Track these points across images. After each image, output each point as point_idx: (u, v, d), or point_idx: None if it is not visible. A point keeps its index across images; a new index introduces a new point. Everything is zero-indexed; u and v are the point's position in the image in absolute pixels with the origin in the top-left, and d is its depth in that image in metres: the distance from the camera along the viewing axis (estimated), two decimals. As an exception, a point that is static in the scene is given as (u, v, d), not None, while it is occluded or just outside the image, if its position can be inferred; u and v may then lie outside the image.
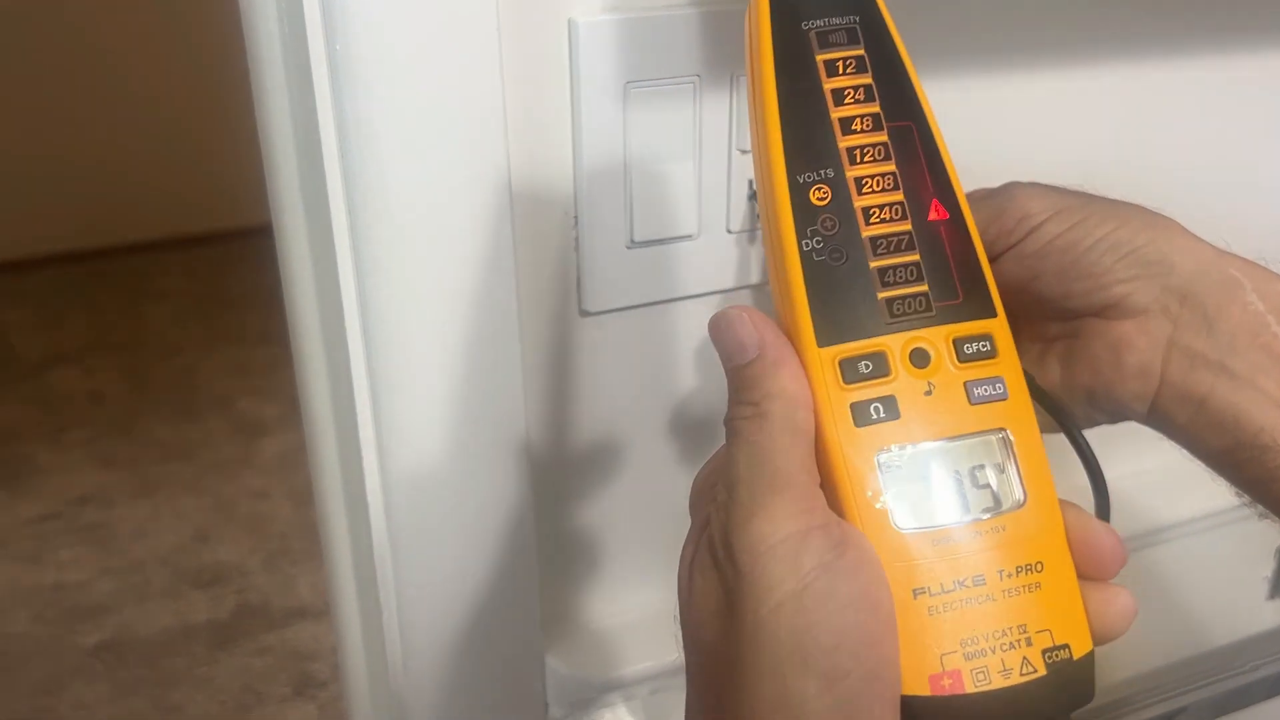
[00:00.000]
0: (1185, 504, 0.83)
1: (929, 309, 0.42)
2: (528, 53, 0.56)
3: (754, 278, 0.64)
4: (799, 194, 0.42)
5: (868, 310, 0.42)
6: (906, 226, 0.42)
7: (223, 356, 3.01)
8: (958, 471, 0.41)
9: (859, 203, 0.42)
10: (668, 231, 0.61)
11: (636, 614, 0.71)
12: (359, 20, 0.50)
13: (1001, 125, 0.68)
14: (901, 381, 0.41)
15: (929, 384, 0.42)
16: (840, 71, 0.43)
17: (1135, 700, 0.80)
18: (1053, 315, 0.50)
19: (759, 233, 0.63)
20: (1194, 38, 0.72)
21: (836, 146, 0.43)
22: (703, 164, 0.60)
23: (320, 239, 0.56)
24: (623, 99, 0.57)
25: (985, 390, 0.42)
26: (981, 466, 0.41)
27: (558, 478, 0.66)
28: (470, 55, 0.52)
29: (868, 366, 0.41)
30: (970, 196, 0.50)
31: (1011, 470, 0.42)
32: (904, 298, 0.42)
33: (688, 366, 0.66)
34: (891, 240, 0.42)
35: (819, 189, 0.42)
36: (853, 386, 0.41)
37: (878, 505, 0.40)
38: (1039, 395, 0.50)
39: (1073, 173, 0.52)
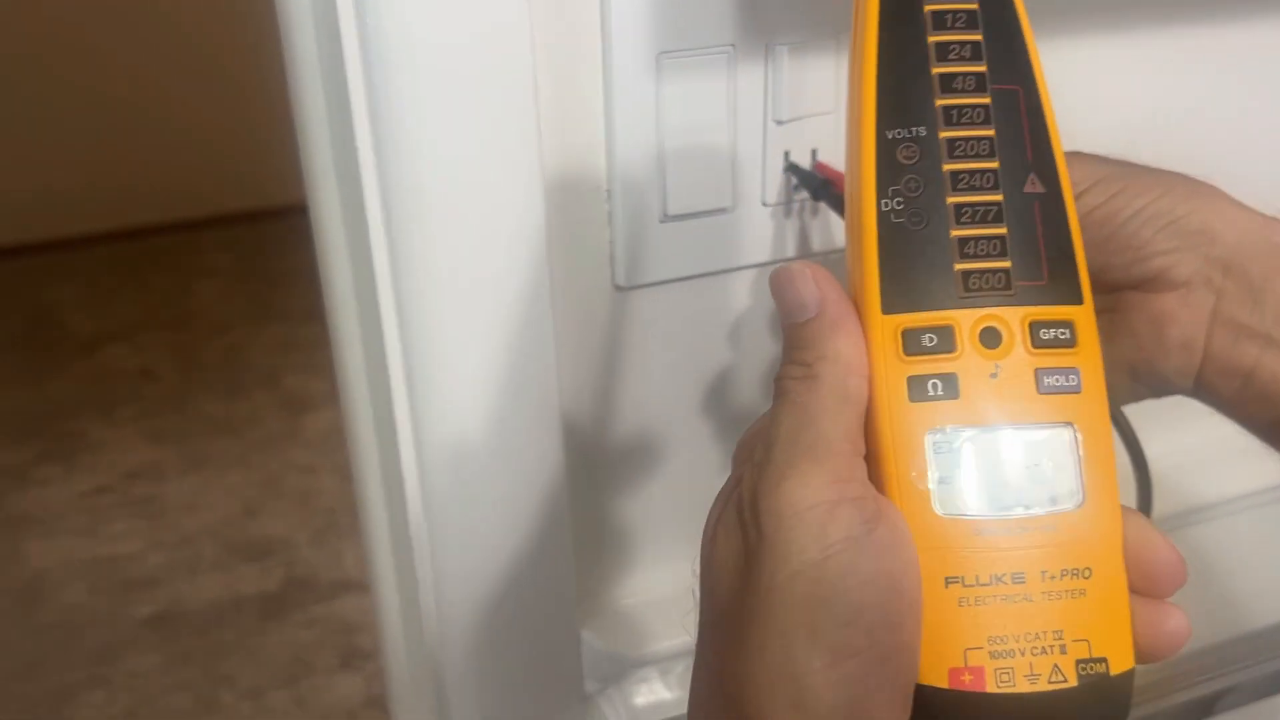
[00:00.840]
0: (1230, 481, 0.81)
1: (1008, 287, 0.39)
2: (559, 24, 0.55)
3: (790, 251, 0.63)
4: (885, 150, 0.40)
5: (941, 281, 0.39)
6: (996, 197, 0.40)
7: (270, 333, 3.02)
8: (1013, 462, 0.39)
9: (948, 166, 0.40)
10: (702, 205, 0.60)
11: (671, 590, 0.70)
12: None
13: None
14: (966, 360, 0.39)
15: (996, 366, 0.39)
16: (949, 25, 0.41)
17: (1180, 681, 0.78)
18: (1094, 288, 0.49)
19: (795, 205, 0.62)
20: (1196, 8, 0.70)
21: (932, 104, 0.40)
22: (738, 136, 0.59)
23: (353, 217, 0.56)
24: (656, 70, 0.56)
25: (1057, 380, 0.39)
26: (1040, 460, 0.39)
27: (593, 453, 0.65)
28: (501, 27, 0.51)
29: (932, 340, 0.39)
30: None
31: (1073, 468, 0.39)
32: (982, 272, 0.39)
33: (723, 341, 0.65)
34: (978, 210, 0.40)
35: (907, 147, 0.40)
36: (913, 359, 0.39)
37: (921, 486, 0.38)
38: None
39: (1118, 140, 0.50)
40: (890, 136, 0.40)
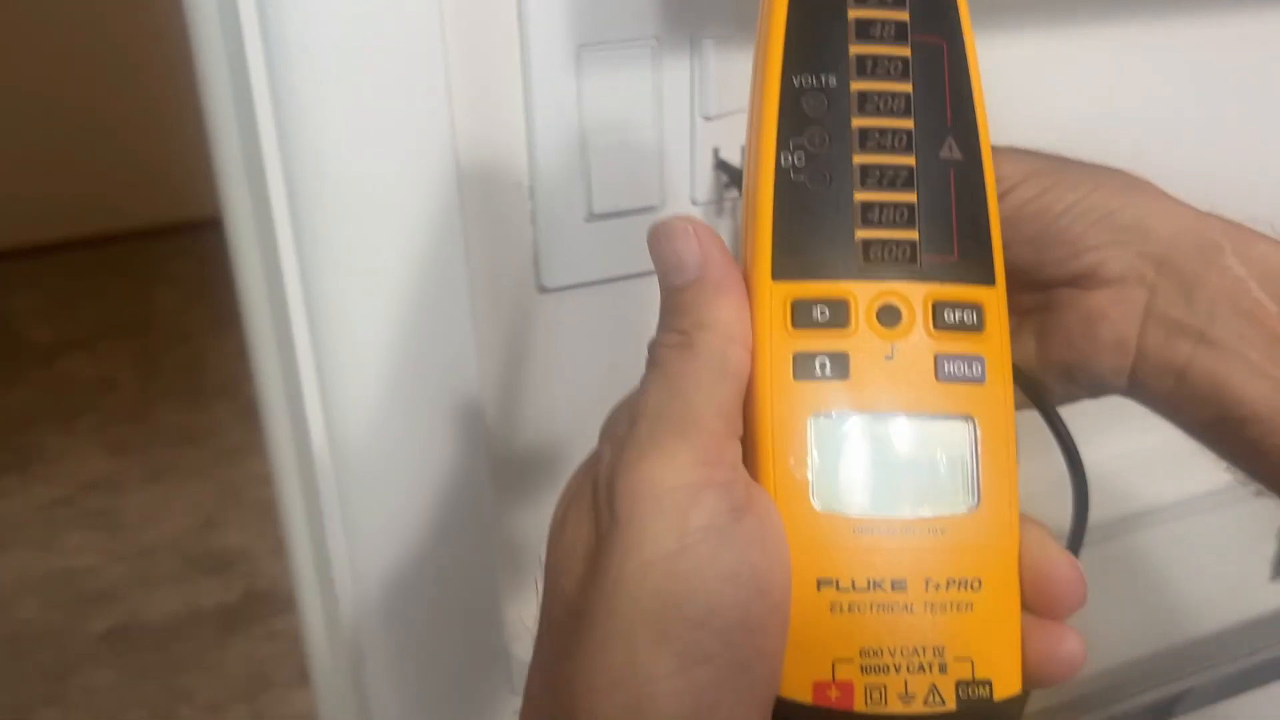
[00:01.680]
0: (1182, 483, 0.80)
1: (913, 260, 0.36)
2: (474, 15, 0.53)
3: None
4: (790, 98, 0.36)
5: (840, 248, 0.35)
6: (908, 160, 0.36)
7: (231, 341, 2.95)
8: (903, 455, 0.35)
9: (857, 122, 0.36)
10: (629, 203, 0.58)
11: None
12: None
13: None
14: (860, 338, 0.35)
15: (892, 347, 0.35)
16: None
17: (1133, 685, 0.77)
18: (1026, 286, 0.47)
19: (726, 204, 0.60)
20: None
21: (846, 51, 0.36)
22: (664, 132, 0.57)
23: (263, 218, 0.54)
24: (576, 63, 0.54)
25: (958, 368, 0.36)
26: (933, 455, 0.35)
27: (517, 461, 0.63)
28: (409, 19, 0.49)
29: (824, 313, 0.35)
30: None
31: (969, 466, 0.35)
32: (885, 242, 0.36)
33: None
34: (886, 172, 0.36)
35: (814, 97, 0.36)
36: (801, 332, 0.35)
37: (798, 474, 0.34)
38: (1021, 382, 0.47)
39: (1054, 137, 0.48)
40: (797, 84, 0.36)
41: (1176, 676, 0.80)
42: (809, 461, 0.35)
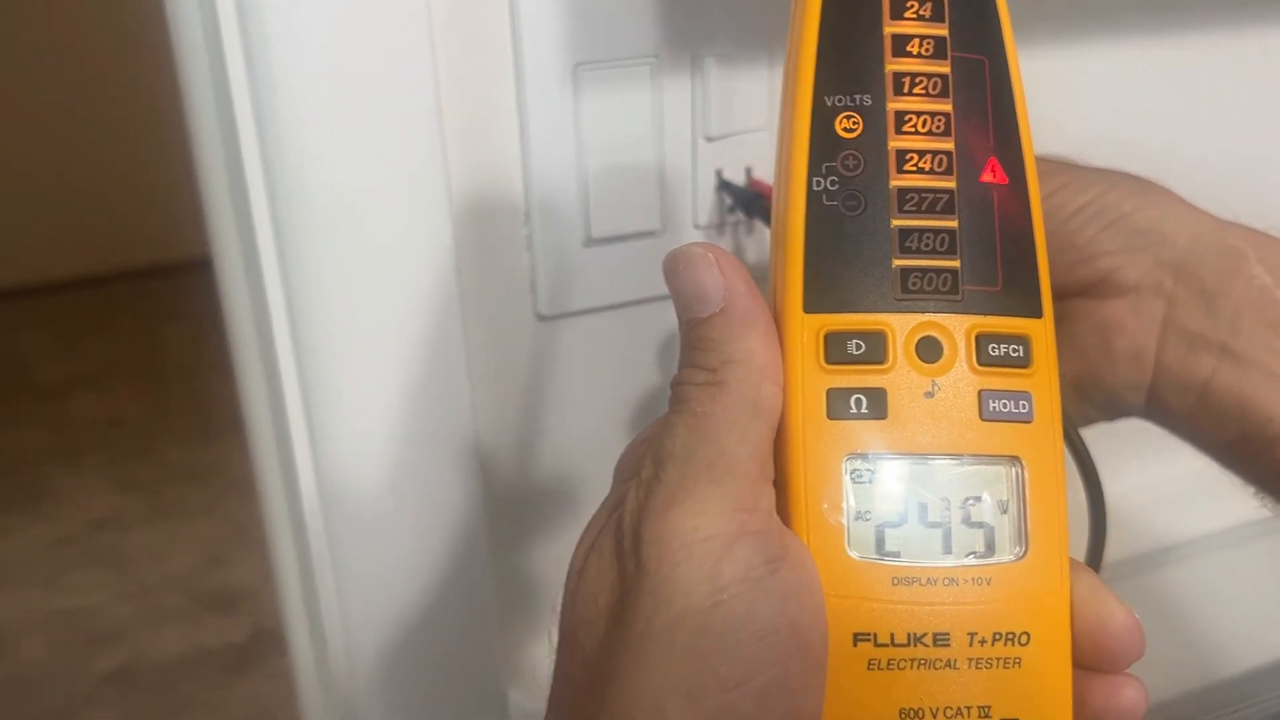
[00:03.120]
0: (1208, 517, 0.77)
1: (954, 291, 0.34)
2: (465, 34, 0.51)
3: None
4: (822, 118, 0.34)
5: (876, 278, 0.34)
6: (949, 183, 0.34)
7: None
8: (946, 499, 0.33)
9: (894, 143, 0.34)
10: (628, 227, 0.56)
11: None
12: (271, 6, 0.45)
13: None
14: (898, 374, 0.33)
15: (934, 383, 0.33)
16: None
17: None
18: None
19: (729, 227, 0.58)
20: (1188, 11, 0.66)
21: (882, 68, 0.35)
22: (665, 153, 0.55)
23: (250, 250, 0.52)
24: (573, 82, 0.52)
25: (1004, 406, 0.33)
26: (978, 499, 0.33)
27: (514, 496, 0.61)
28: (398, 40, 0.47)
29: (859, 347, 0.33)
30: None
31: (1016, 512, 0.33)
32: (925, 271, 0.34)
33: (654, 375, 0.61)
34: (926, 197, 0.34)
35: (848, 117, 0.34)
36: (836, 368, 0.33)
37: (833, 520, 0.32)
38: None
39: (1066, 150, 0.47)
40: (829, 103, 0.34)
41: (1208, 718, 0.77)
42: (844, 507, 0.33)
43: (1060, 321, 0.44)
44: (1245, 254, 0.42)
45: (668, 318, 0.58)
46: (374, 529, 0.55)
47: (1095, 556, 0.44)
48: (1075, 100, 0.64)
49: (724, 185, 0.56)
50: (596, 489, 0.60)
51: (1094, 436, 0.58)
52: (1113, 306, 0.43)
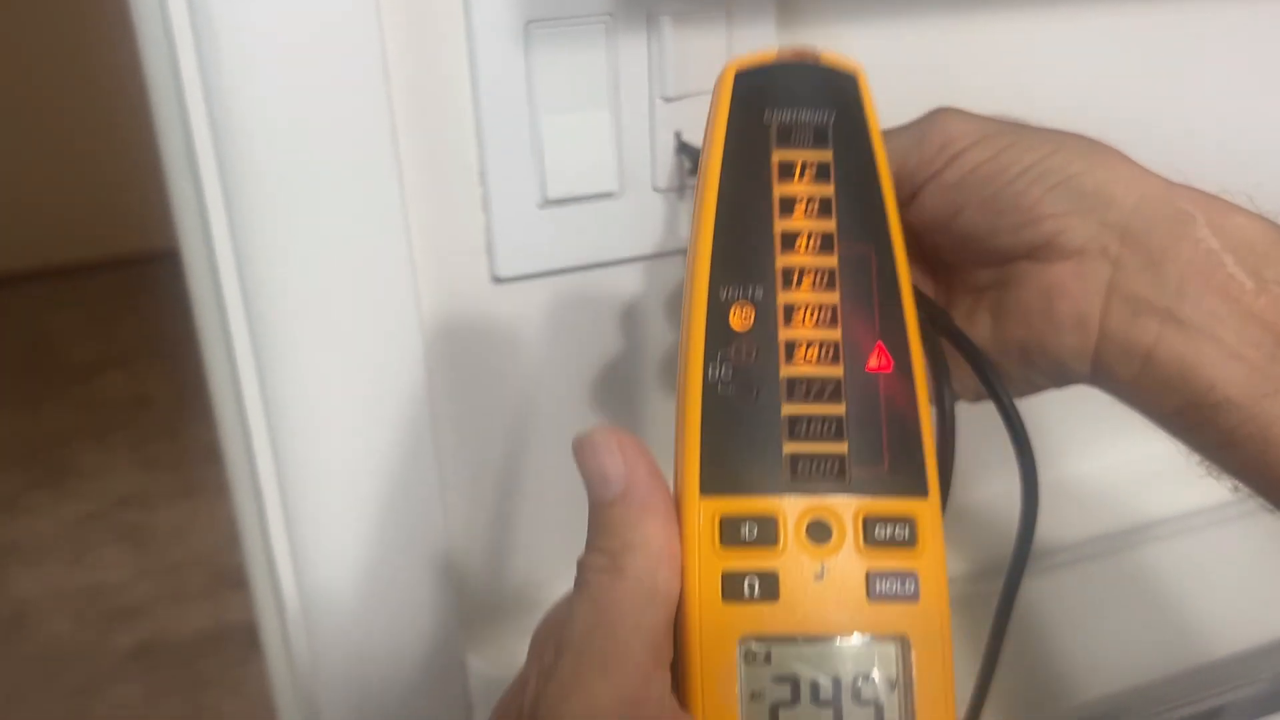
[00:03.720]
0: (1190, 493, 0.75)
1: (842, 474, 0.35)
2: (413, -11, 0.50)
3: (685, 241, 0.58)
4: (717, 311, 0.36)
5: (767, 463, 0.35)
6: (836, 372, 0.36)
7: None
8: (836, 678, 0.34)
9: (784, 334, 0.36)
10: (585, 189, 0.55)
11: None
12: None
13: (962, 71, 0.61)
14: (789, 556, 0.34)
15: (822, 565, 0.34)
16: (796, 176, 0.37)
17: (1150, 709, 0.73)
18: (982, 259, 0.44)
19: (689, 190, 0.57)
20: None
21: (773, 263, 0.36)
22: (622, 114, 0.54)
23: (206, 231, 0.51)
24: (524, 40, 0.51)
25: (890, 586, 0.34)
26: (867, 677, 0.34)
27: (471, 463, 0.60)
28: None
29: (752, 531, 0.34)
30: (891, 129, 0.44)
31: (904, 689, 0.34)
32: (813, 457, 0.35)
33: (614, 339, 0.60)
34: (814, 385, 0.35)
35: (742, 309, 0.36)
36: (730, 550, 0.34)
37: (728, 704, 0.33)
38: (967, 353, 0.44)
39: (1022, 112, 0.45)
40: (724, 296, 0.36)
41: (1198, 699, 0.76)
42: (739, 690, 0.33)
43: (1006, 286, 0.44)
44: (1193, 217, 0.40)
45: (626, 283, 0.57)
46: (324, 489, 0.55)
47: (1026, 537, 0.44)
48: (1031, 63, 0.62)
49: (683, 147, 0.55)
50: (553, 453, 0.60)
51: (1071, 410, 0.57)
52: (1057, 270, 0.42)
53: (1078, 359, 0.42)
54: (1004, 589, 0.47)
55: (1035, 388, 0.45)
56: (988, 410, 0.44)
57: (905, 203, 0.44)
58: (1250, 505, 0.50)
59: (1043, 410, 0.48)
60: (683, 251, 0.58)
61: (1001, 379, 0.43)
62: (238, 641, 2.16)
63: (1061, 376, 0.44)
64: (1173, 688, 0.73)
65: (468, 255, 0.56)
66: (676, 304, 0.38)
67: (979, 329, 0.45)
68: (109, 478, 2.61)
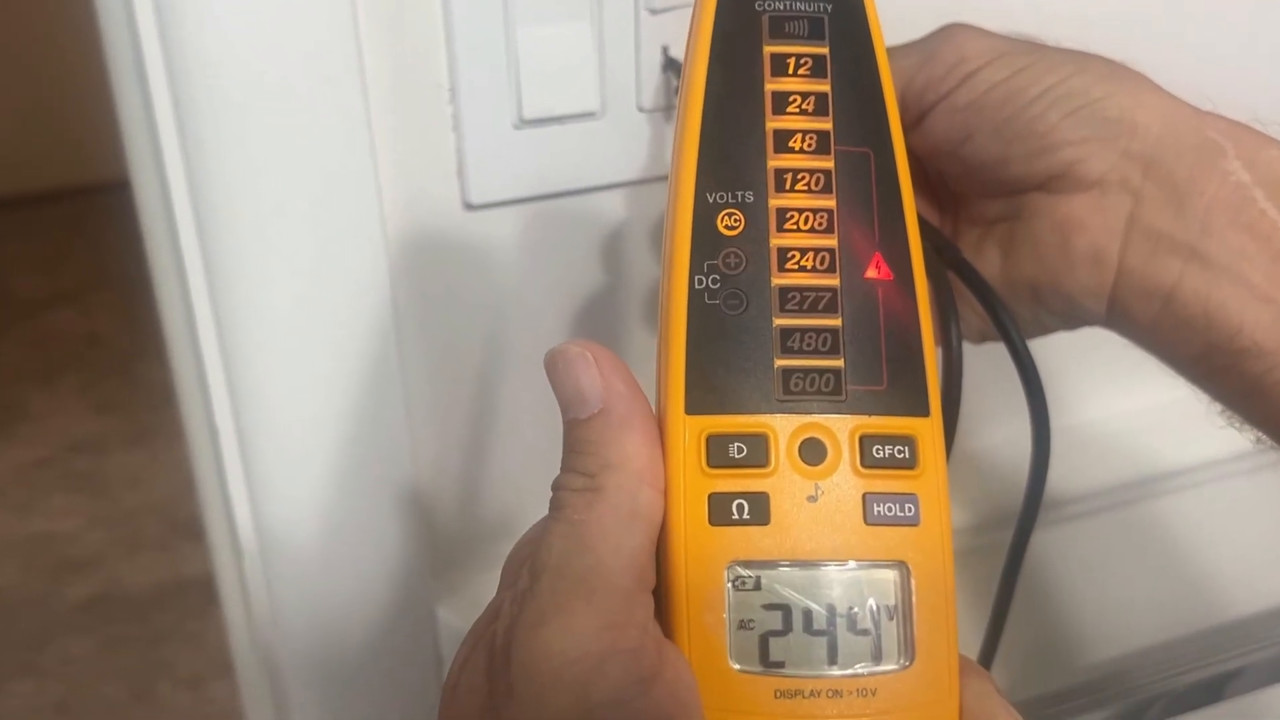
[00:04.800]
0: (1210, 444, 0.74)
1: (838, 391, 0.34)
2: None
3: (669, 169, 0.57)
4: (704, 216, 0.35)
5: (758, 379, 0.34)
6: (832, 281, 0.35)
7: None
8: (830, 606, 0.33)
9: (776, 241, 0.35)
10: (564, 108, 0.54)
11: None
12: None
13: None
14: (781, 477, 0.34)
15: (817, 487, 0.34)
16: (790, 71, 0.37)
17: (1167, 668, 0.73)
18: (992, 189, 0.43)
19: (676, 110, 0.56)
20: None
21: (764, 165, 0.36)
22: (604, 26, 0.53)
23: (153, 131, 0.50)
24: (499, -55, 0.50)
25: (889, 509, 0.34)
26: (863, 606, 0.34)
27: (439, 392, 0.59)
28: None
29: (741, 450, 0.34)
30: (897, 46, 0.43)
31: (902, 619, 0.34)
32: (807, 371, 0.34)
33: (595, 270, 0.59)
34: (808, 295, 0.35)
35: (730, 214, 0.35)
36: (718, 472, 0.34)
37: (715, 632, 0.33)
38: (976, 288, 0.43)
39: (1039, 30, 0.45)
40: (711, 200, 0.36)
41: (1215, 661, 0.76)
42: (726, 618, 0.33)
43: (1017, 218, 0.43)
44: (1223, 148, 0.40)
45: (611, 210, 0.57)
46: (286, 432, 0.54)
47: (1036, 487, 0.43)
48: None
49: (670, 64, 0.54)
50: (528, 390, 0.60)
51: (1084, 353, 0.56)
52: (1074, 202, 0.41)
53: (1093, 298, 0.42)
54: (1013, 542, 0.47)
55: (1046, 329, 0.45)
56: (994, 352, 0.44)
57: (910, 126, 0.43)
58: (1273, 457, 0.50)
59: (1054, 353, 0.47)
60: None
61: (1012, 317, 0.43)
62: (195, 595, 2.15)
63: (1075, 317, 0.43)
64: (1187, 648, 0.73)
65: (437, 180, 0.55)
66: (661, 232, 0.38)
67: (987, 265, 0.44)
68: (59, 421, 2.59)
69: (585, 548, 0.32)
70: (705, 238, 0.35)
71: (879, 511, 0.34)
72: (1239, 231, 0.39)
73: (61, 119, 3.29)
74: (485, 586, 0.57)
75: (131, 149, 0.53)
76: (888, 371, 0.35)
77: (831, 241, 0.35)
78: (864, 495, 0.34)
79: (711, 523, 0.34)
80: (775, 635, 0.33)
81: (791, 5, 0.37)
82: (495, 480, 0.63)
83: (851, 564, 0.34)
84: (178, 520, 2.32)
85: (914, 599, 0.34)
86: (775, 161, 0.36)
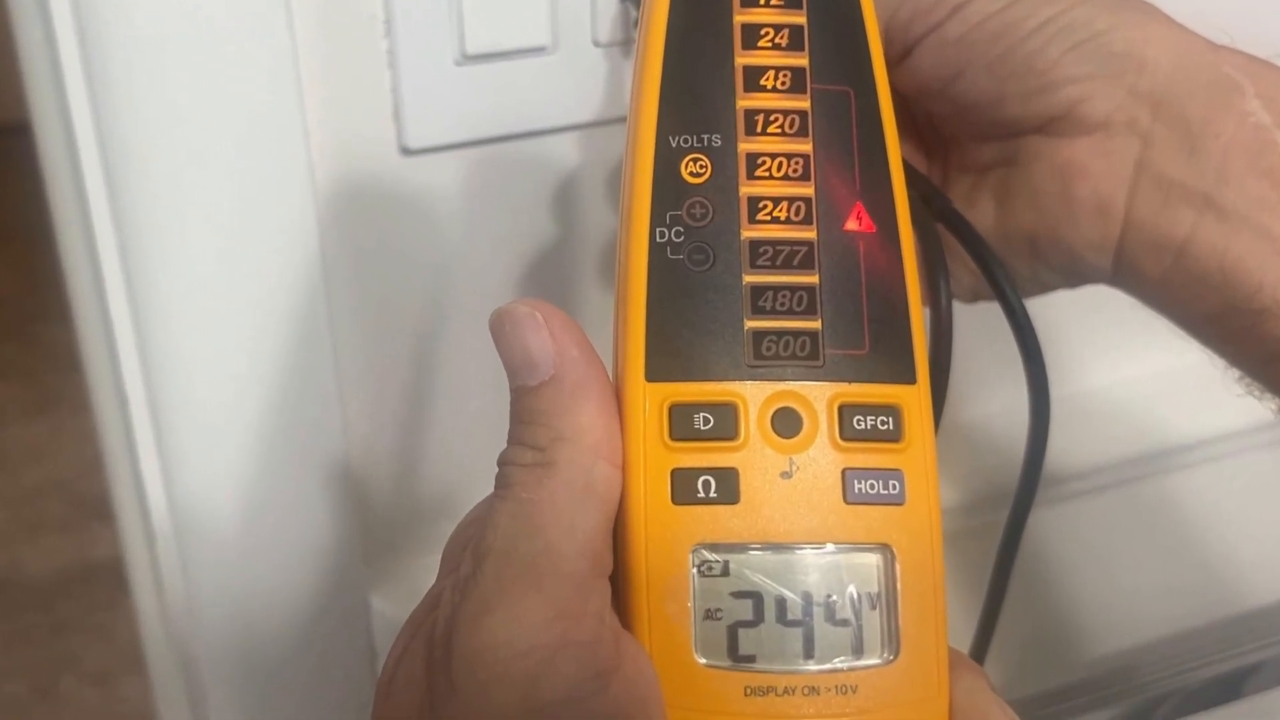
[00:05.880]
0: (1226, 415, 0.76)
1: (815, 356, 0.35)
2: None
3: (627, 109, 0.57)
4: (666, 162, 0.35)
5: (726, 342, 0.34)
6: (808, 234, 0.35)
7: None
8: (806, 594, 0.33)
9: (746, 189, 0.35)
10: (512, 42, 0.54)
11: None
12: None
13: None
14: (751, 451, 0.34)
15: (791, 462, 0.34)
16: (762, 1, 0.36)
17: (1149, 671, 0.74)
18: (986, 132, 0.44)
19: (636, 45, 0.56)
20: None
21: (733, 105, 0.36)
22: (555, -51, 0.53)
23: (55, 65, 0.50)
24: None
25: (871, 486, 0.34)
26: (843, 594, 0.34)
27: (374, 355, 0.60)
28: None
29: (707, 421, 0.34)
30: None
31: (886, 608, 0.34)
32: (780, 333, 0.35)
33: (544, 221, 0.60)
34: (781, 249, 0.35)
35: (695, 160, 0.35)
36: (681, 445, 0.34)
37: (679, 622, 0.33)
38: (967, 241, 0.44)
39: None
40: (674, 144, 0.35)
41: (1230, 655, 0.77)
42: (691, 607, 0.33)
43: (1013, 164, 0.43)
44: (1240, 86, 0.40)
45: (564, 155, 0.57)
46: (208, 402, 0.55)
47: (1034, 462, 0.44)
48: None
49: (628, -4, 0.55)
50: (472, 354, 0.60)
51: (1088, 314, 0.57)
52: (1076, 146, 0.42)
53: (1097, 252, 0.42)
54: (1008, 523, 0.47)
55: (1045, 287, 0.45)
56: (988, 312, 0.44)
57: (895, 62, 0.44)
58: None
59: (1054, 314, 0.48)
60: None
61: (1008, 274, 0.43)
62: (103, 582, 2.15)
63: (1077, 274, 0.44)
64: (1202, 641, 0.74)
65: (371, 122, 0.55)
66: (619, 181, 0.38)
67: (981, 215, 0.45)
68: (-50, 388, 2.59)
69: (535, 529, 0.32)
70: (667, 186, 0.35)
71: (860, 489, 0.34)
72: (1259, 178, 0.39)
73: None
74: (424, 572, 0.57)
75: (32, 88, 0.52)
76: (870, 334, 0.35)
77: (807, 190, 0.35)
78: (843, 471, 0.34)
79: (674, 501, 0.34)
80: (745, 626, 0.33)
81: None
82: (435, 455, 0.63)
83: (829, 547, 0.34)
84: (84, 499, 2.32)
85: (899, 586, 0.34)
86: (745, 101, 0.36)
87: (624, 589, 0.34)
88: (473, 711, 0.31)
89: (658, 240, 0.35)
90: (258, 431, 0.55)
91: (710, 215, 0.35)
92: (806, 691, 0.33)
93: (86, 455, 2.40)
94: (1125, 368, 0.76)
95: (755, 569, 0.33)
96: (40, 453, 2.43)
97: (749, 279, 0.35)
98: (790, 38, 0.36)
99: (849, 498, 0.34)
